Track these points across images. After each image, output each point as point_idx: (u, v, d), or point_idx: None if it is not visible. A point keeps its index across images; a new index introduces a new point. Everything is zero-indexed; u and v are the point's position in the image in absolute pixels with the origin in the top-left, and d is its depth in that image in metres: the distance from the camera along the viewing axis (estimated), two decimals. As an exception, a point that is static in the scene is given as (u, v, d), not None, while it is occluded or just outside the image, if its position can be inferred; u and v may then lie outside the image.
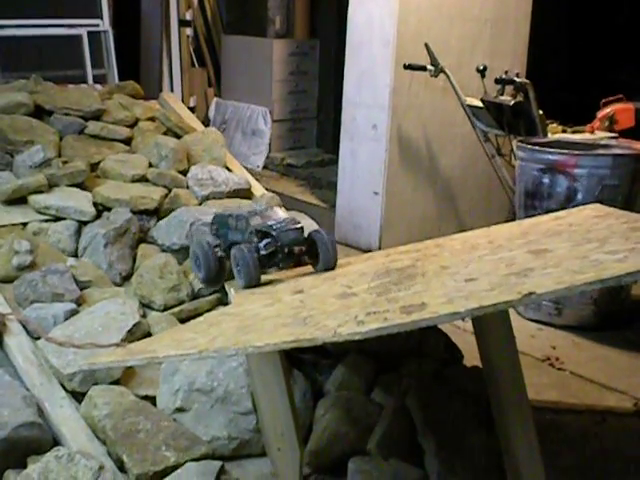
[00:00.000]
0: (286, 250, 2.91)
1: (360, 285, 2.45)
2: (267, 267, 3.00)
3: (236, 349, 1.92)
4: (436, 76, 5.31)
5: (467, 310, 1.76)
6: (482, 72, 5.08)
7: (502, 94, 4.98)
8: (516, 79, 4.88)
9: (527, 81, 4.87)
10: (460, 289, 2.00)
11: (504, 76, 4.96)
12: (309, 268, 3.04)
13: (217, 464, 2.55)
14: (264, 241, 2.91)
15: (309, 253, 2.99)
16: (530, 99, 4.79)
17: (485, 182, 5.84)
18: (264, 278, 2.96)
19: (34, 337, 3.14)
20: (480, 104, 5.12)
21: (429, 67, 5.28)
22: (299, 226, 2.96)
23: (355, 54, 5.63)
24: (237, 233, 3.03)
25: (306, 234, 3.00)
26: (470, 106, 5.26)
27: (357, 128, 5.66)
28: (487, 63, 5.19)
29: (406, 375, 3.01)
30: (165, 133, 4.69)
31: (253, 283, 2.90)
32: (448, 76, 5.25)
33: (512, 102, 4.83)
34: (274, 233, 2.91)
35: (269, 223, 2.96)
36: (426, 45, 5.18)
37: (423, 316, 1.78)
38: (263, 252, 2.90)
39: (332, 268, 2.92)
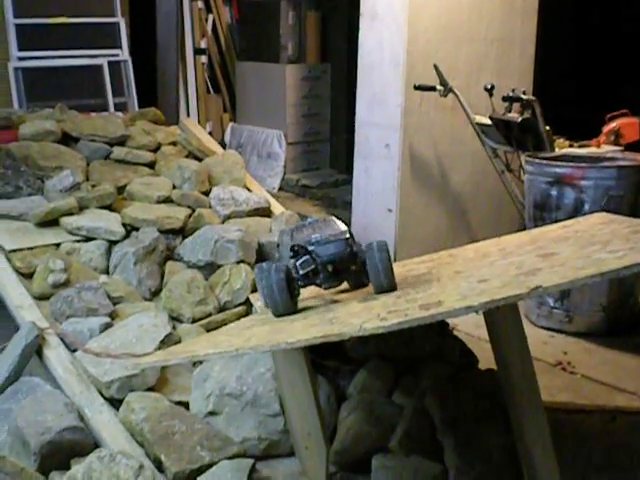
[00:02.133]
0: (330, 268, 2.52)
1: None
2: (306, 287, 2.62)
3: (270, 346, 2.10)
4: (445, 96, 5.47)
5: (480, 304, 1.92)
6: (490, 91, 5.23)
7: (510, 111, 5.12)
8: (523, 96, 5.03)
9: (534, 98, 5.02)
10: (473, 288, 2.17)
11: (511, 94, 5.11)
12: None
13: (249, 462, 2.71)
14: (302, 258, 2.54)
15: (361, 272, 2.58)
16: (537, 115, 4.93)
17: (495, 197, 5.99)
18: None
19: (72, 349, 3.33)
20: (489, 122, 5.27)
21: (438, 87, 5.44)
22: (344, 237, 2.53)
23: (366, 76, 5.80)
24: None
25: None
26: (479, 124, 5.41)
27: (370, 148, 5.82)
28: (494, 82, 5.34)
29: (424, 378, 3.17)
30: (187, 156, 4.91)
31: (280, 310, 2.54)
32: (457, 95, 5.41)
33: (520, 119, 4.97)
34: (311, 248, 2.52)
35: (310, 237, 2.56)
36: (435, 66, 5.35)
37: (440, 311, 1.95)
38: (301, 272, 2.53)
39: (387, 290, 2.49)
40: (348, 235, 2.54)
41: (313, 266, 2.52)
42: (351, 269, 2.57)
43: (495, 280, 2.24)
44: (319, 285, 2.58)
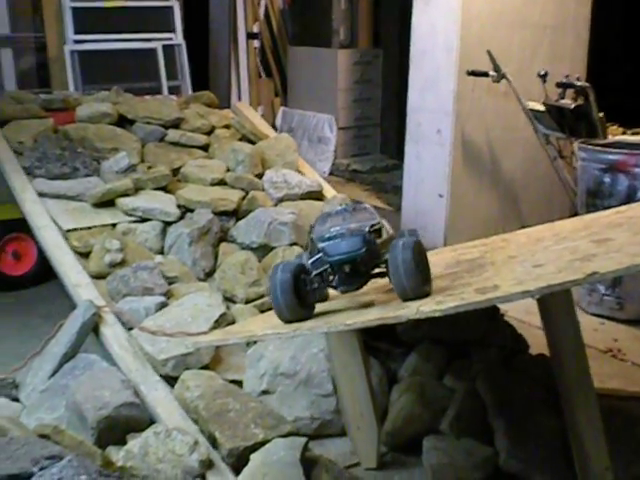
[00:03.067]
0: (347, 269, 2.14)
1: (433, 274, 2.63)
2: (324, 291, 2.31)
3: (328, 327, 2.13)
4: (498, 81, 5.46)
5: (537, 289, 1.93)
6: (543, 77, 5.21)
7: (563, 98, 5.10)
8: (577, 83, 5.01)
9: (587, 84, 4.99)
10: (529, 273, 2.18)
11: (565, 80, 5.09)
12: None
13: (303, 440, 2.74)
14: (315, 256, 2.19)
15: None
16: (590, 102, 4.91)
17: (547, 184, 5.97)
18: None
19: (127, 327, 3.40)
20: (542, 108, 5.25)
21: (491, 73, 5.42)
22: (362, 232, 2.16)
23: (419, 61, 5.81)
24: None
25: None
26: (532, 110, 5.39)
27: (422, 133, 5.83)
28: (547, 68, 5.32)
29: (476, 362, 3.19)
30: (240, 139, 4.95)
31: (284, 315, 2.21)
32: (510, 81, 5.39)
33: (573, 105, 4.95)
34: (321, 245, 2.16)
35: (328, 230, 2.21)
36: (488, 52, 5.33)
37: (497, 295, 1.97)
38: (314, 272, 2.20)
39: (414, 298, 2.09)
40: (370, 229, 2.17)
41: (327, 266, 2.15)
42: (374, 269, 2.17)
43: (550, 265, 2.24)
44: (334, 288, 2.21)
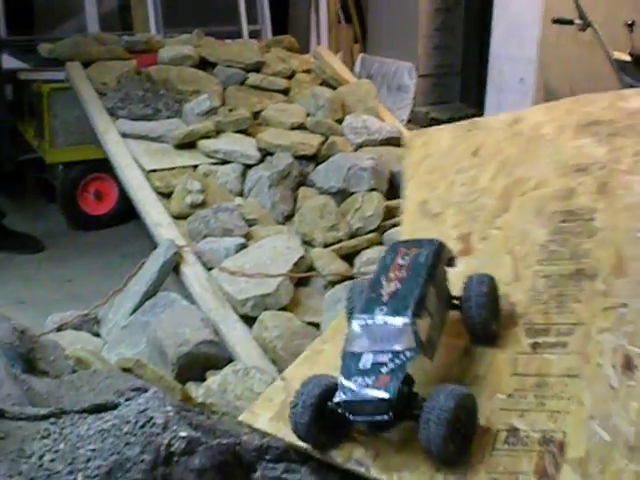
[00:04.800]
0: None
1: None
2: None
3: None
4: (584, 30, 5.34)
5: None
6: (630, 26, 5.09)
7: (651, 47, 4.99)
8: (666, 32, 4.89)
9: (677, 34, 4.87)
10: None
11: (653, 29, 4.97)
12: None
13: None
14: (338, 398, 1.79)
15: None
16: (679, 52, 4.79)
17: (631, 136, 5.85)
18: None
19: (208, 267, 3.44)
20: (628, 58, 5.13)
21: (577, 21, 5.31)
22: (386, 396, 1.73)
23: (503, 9, 5.71)
24: None
25: None
26: (617, 60, 5.27)
27: (504, 81, 5.74)
28: (635, 17, 5.19)
29: None
30: (321, 84, 4.94)
31: (299, 435, 1.87)
32: (596, 30, 5.27)
33: (661, 55, 4.85)
34: (343, 397, 1.76)
35: (358, 358, 1.82)
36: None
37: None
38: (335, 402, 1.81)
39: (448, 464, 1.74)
40: (395, 392, 1.73)
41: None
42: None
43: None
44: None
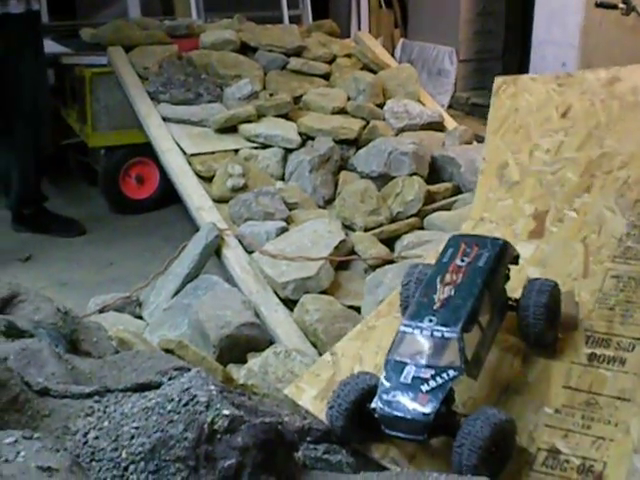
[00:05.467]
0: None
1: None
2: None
3: None
4: (627, 14, 5.27)
5: None
6: (676, 10, 5.02)
7: (697, 32, 4.91)
8: None
9: None
10: None
11: (699, 14, 4.89)
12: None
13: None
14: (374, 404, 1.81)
15: None
16: None
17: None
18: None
19: (249, 251, 3.45)
20: (673, 42, 5.07)
21: (621, 5, 5.23)
22: (427, 412, 1.73)
23: (546, -7, 5.65)
24: None
25: None
26: (662, 44, 5.21)
27: (546, 66, 5.68)
28: (681, 0, 5.12)
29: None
30: (361, 69, 4.94)
31: (336, 433, 1.88)
32: (639, 14, 5.21)
33: None
34: (379, 405, 1.78)
35: (402, 367, 1.81)
36: (619, -18, 5.16)
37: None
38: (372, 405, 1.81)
39: None
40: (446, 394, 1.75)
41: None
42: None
43: None
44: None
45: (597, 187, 2.46)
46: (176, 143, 4.11)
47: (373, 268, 3.33)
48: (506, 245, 2.05)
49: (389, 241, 3.60)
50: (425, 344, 1.81)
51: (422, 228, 3.68)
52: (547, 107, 2.77)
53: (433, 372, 1.76)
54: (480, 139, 4.39)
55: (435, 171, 4.05)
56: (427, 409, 1.72)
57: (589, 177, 2.51)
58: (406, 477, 1.66)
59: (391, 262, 3.36)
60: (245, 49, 4.94)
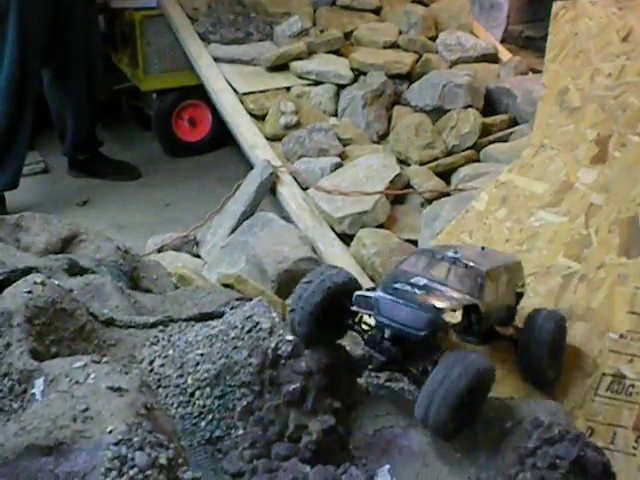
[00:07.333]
0: (390, 344, 1.56)
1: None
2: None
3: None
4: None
5: None
6: None
7: None
8: None
9: None
10: None
11: None
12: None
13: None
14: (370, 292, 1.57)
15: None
16: None
17: None
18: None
19: (304, 187, 3.45)
20: None
21: None
22: (435, 310, 1.47)
23: None
24: None
25: None
26: None
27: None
28: None
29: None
30: (413, 2, 4.83)
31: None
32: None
33: None
34: (380, 294, 1.52)
35: (412, 275, 1.59)
36: None
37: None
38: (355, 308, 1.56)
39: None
40: (454, 308, 1.51)
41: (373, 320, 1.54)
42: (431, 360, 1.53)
43: None
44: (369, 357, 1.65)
45: None
46: (228, 83, 4.09)
47: (429, 202, 3.32)
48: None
49: (445, 174, 3.57)
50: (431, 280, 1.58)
51: (478, 160, 3.63)
52: (607, 31, 2.70)
53: (448, 291, 1.55)
54: (535, 72, 4.32)
55: (490, 103, 3.99)
56: (441, 304, 1.49)
57: None
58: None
59: (447, 195, 3.34)
60: (294, -14, 4.88)
